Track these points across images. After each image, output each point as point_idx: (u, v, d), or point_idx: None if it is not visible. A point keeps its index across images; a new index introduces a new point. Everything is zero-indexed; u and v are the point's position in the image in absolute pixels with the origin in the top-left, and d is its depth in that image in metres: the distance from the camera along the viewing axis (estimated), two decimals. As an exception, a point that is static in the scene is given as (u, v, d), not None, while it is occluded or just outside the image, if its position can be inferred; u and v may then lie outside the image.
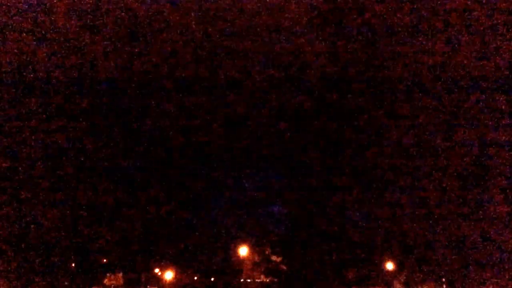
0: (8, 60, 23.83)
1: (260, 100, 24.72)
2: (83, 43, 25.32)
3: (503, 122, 14.69)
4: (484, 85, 14.81)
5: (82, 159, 29.99)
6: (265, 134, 24.60)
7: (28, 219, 26.69)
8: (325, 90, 20.69)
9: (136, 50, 26.10)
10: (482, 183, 15.20)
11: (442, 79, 15.43)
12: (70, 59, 25.76)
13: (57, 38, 24.49)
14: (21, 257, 27.79)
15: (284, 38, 22.00)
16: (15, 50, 23.92)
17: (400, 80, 16.31)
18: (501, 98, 14.55)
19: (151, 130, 33.24)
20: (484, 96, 14.77)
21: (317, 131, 21.42)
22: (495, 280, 17.53)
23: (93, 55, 26.00)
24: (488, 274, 17.12)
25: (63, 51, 25.24)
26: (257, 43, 22.98)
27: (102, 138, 30.77)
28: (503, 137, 14.69)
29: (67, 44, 24.99)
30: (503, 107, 14.57)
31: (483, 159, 14.98)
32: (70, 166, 29.00)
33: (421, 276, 18.96)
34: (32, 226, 27.13)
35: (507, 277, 16.79)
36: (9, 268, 28.58)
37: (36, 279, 33.35)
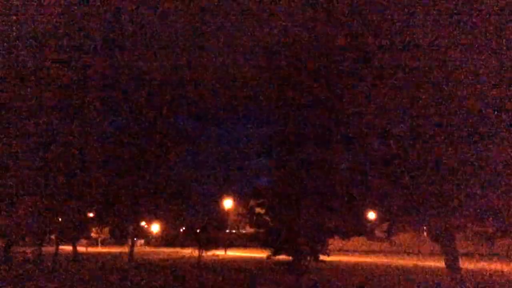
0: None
1: (249, 58, 24.54)
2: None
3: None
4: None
5: (73, 117, 29.97)
6: (253, 88, 24.47)
7: (17, 173, 26.68)
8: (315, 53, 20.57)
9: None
10: (469, 134, 15.26)
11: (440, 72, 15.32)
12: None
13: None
14: (10, 212, 27.90)
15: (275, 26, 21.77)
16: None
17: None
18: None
19: (142, 87, 33.09)
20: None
21: (306, 88, 21.34)
22: (475, 229, 17.85)
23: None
24: (467, 223, 17.41)
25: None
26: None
27: (95, 96, 30.71)
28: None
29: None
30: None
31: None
32: (61, 122, 28.99)
33: (402, 225, 19.26)
34: (20, 180, 27.12)
35: (487, 227, 17.10)
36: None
37: (25, 233, 33.59)
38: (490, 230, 17.00)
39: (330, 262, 25.31)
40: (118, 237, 75.16)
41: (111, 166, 34.06)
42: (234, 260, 39.87)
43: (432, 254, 43.42)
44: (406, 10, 15.83)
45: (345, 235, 22.60)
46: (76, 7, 25.53)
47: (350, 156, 20.22)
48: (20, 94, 26.63)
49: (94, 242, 71.51)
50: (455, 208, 15.94)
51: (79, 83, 30.22)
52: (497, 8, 14.28)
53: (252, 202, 23.93)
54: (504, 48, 14.32)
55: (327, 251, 22.10)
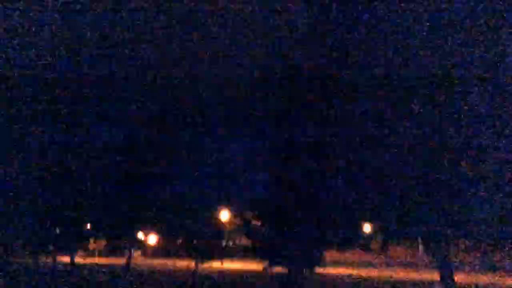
0: None
1: (246, 68, 24.80)
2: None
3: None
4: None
5: (68, 127, 30.09)
6: (249, 100, 24.67)
7: (14, 185, 26.77)
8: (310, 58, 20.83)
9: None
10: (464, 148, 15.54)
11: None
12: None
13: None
14: (6, 224, 27.92)
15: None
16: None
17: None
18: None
19: (136, 97, 33.22)
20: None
21: (303, 101, 21.57)
22: (471, 242, 18.02)
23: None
24: (463, 236, 17.59)
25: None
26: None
27: (87, 105, 30.83)
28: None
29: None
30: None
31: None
32: (59, 133, 29.13)
33: (397, 237, 19.43)
34: (18, 190, 27.19)
35: (482, 239, 17.29)
36: None
37: (22, 245, 33.59)
38: (484, 243, 17.19)
39: (326, 274, 25.49)
40: (116, 248, 74.90)
41: (109, 177, 34.16)
42: (230, 272, 39.91)
43: (426, 266, 43.50)
44: (399, 21, 16.13)
45: (341, 248, 22.72)
46: (75, 13, 25.81)
47: (346, 169, 20.40)
48: (18, 104, 26.78)
49: (91, 253, 71.27)
50: (449, 221, 16.15)
51: (77, 93, 30.38)
52: (491, 18, 14.58)
53: (248, 214, 24.04)
54: (499, 58, 14.61)
55: (323, 263, 22.25)
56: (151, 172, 34.59)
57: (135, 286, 26.31)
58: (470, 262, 39.59)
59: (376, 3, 17.16)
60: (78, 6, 25.29)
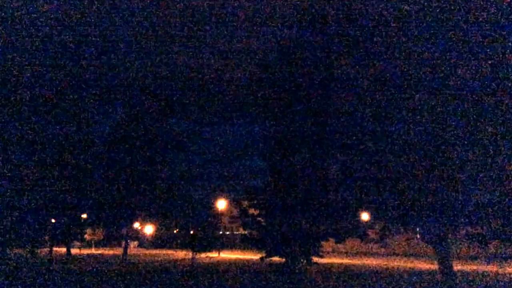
0: None
1: (244, 61, 24.64)
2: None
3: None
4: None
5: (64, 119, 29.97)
6: (248, 90, 24.51)
7: (12, 176, 26.63)
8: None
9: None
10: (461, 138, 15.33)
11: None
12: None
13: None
14: (2, 215, 27.79)
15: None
16: None
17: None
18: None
19: (132, 90, 33.11)
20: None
21: (301, 92, 21.42)
22: (468, 231, 17.91)
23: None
24: (460, 225, 17.47)
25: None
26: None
27: (84, 99, 30.67)
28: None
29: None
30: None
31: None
32: (52, 125, 28.96)
33: (395, 227, 19.31)
34: (15, 182, 27.07)
35: (480, 229, 17.17)
36: None
37: (18, 235, 33.45)
38: (483, 232, 17.06)
39: (323, 264, 25.37)
40: (112, 239, 74.95)
41: (105, 168, 34.02)
42: (227, 262, 39.82)
43: (425, 256, 43.51)
44: (400, 16, 15.94)
45: (339, 238, 22.57)
46: (72, 10, 25.57)
47: (344, 160, 20.22)
48: (16, 98, 26.63)
49: (87, 244, 71.19)
50: (448, 210, 16.00)
51: (74, 86, 30.26)
52: (491, 15, 14.38)
53: (244, 203, 23.86)
54: (499, 54, 14.42)
55: (321, 253, 22.14)
56: (147, 162, 34.46)
57: (134, 276, 26.17)
58: (469, 252, 39.55)
59: None
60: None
